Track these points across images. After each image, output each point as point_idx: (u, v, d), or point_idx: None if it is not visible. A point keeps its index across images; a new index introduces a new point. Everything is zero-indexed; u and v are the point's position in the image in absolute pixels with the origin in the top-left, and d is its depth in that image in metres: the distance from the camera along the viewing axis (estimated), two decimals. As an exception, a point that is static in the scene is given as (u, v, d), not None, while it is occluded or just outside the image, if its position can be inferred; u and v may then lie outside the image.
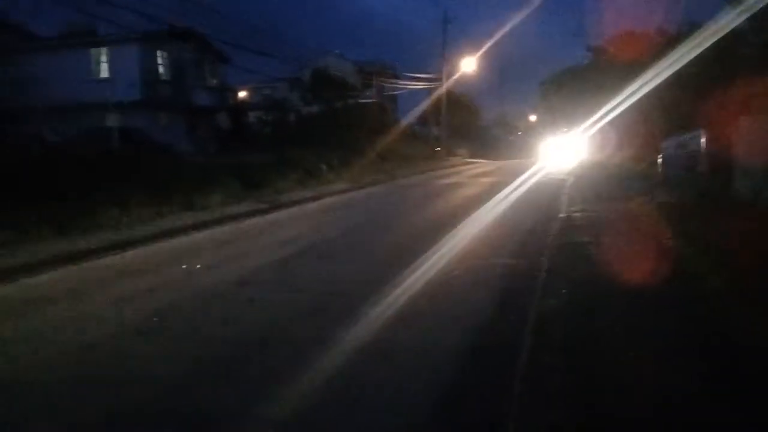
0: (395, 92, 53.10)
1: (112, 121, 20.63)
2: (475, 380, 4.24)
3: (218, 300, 6.52)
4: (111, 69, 28.04)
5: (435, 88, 45.40)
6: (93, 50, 28.29)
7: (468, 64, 44.22)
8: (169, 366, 4.67)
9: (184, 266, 8.32)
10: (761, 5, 14.58)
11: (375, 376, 4.34)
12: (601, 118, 26.76)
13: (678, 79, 17.84)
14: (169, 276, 7.77)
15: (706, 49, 15.98)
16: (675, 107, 18.39)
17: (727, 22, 16.78)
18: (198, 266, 8.28)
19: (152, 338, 5.31)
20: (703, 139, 12.24)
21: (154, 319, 5.83)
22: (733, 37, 17.66)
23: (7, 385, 4.40)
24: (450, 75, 44.15)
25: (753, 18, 16.86)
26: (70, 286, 7.42)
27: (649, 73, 19.34)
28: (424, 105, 48.22)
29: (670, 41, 21.13)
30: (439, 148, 46.30)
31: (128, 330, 5.50)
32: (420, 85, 47.60)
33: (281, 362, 4.66)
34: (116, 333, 5.44)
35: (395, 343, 4.98)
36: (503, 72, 64.48)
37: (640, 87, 20.30)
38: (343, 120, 36.43)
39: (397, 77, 51.48)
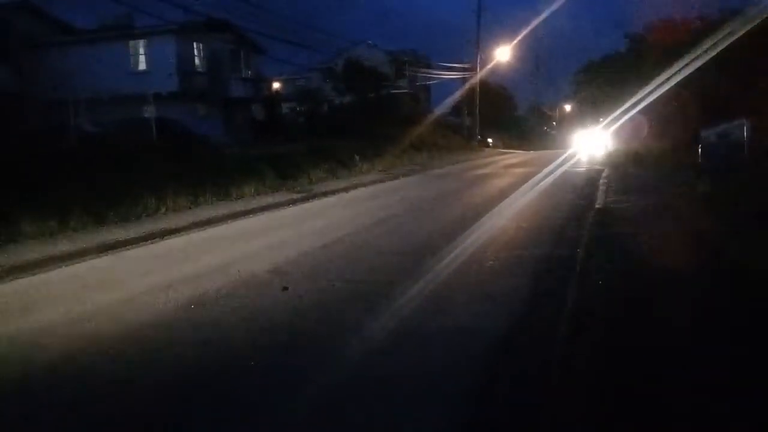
0: (428, 82, 52.78)
1: (150, 112, 21.00)
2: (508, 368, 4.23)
3: (253, 288, 6.60)
4: (148, 61, 28.49)
5: (468, 78, 44.98)
6: (131, 42, 28.73)
7: (502, 54, 43.75)
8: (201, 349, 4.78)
9: (221, 255, 8.44)
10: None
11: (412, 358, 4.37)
12: (638, 106, 26.24)
13: (719, 66, 17.37)
14: (205, 265, 7.89)
15: (751, 35, 15.50)
16: (716, 96, 17.94)
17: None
18: (234, 255, 8.39)
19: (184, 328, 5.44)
20: (746, 129, 11.91)
21: (191, 306, 5.96)
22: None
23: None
24: (484, 64, 43.72)
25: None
26: (105, 275, 7.61)
27: (689, 60, 18.86)
28: (457, 95, 47.86)
29: (712, 27, 20.58)
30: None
31: (165, 317, 5.63)
32: (453, 75, 47.23)
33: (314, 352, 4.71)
34: (153, 321, 5.57)
35: (430, 329, 5.01)
36: (538, 61, 63.28)
37: (679, 74, 19.81)
38: (375, 110, 36.43)
39: (429, 67, 51.11)
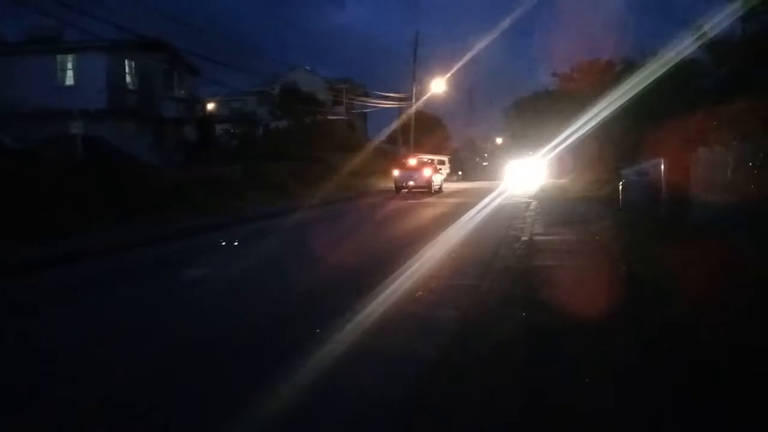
0: (365, 110, 53.36)
1: (77, 128, 20.27)
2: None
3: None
4: (77, 76, 27.60)
5: (404, 108, 45.73)
6: (59, 56, 27.79)
7: (437, 86, 44.73)
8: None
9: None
10: (717, 32, 15.27)
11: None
12: (564, 142, 27.37)
13: (638, 107, 18.34)
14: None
15: (667, 78, 16.47)
16: (635, 135, 18.87)
17: (684, 48, 17.36)
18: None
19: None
20: (662, 168, 12.56)
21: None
22: (694, 68, 18.29)
23: None
24: (419, 96, 44.57)
25: (712, 50, 17.51)
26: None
27: (610, 100, 19.88)
28: (394, 124, 48.51)
29: (629, 69, 21.77)
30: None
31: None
32: (389, 104, 47.93)
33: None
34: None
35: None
36: (472, 95, 65.15)
37: (601, 113, 20.85)
38: (311, 136, 36.52)
39: (366, 95, 51.74)
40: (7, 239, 10.23)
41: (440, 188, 30.65)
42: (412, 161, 30.84)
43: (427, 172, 28.87)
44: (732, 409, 3.58)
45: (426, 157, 35.85)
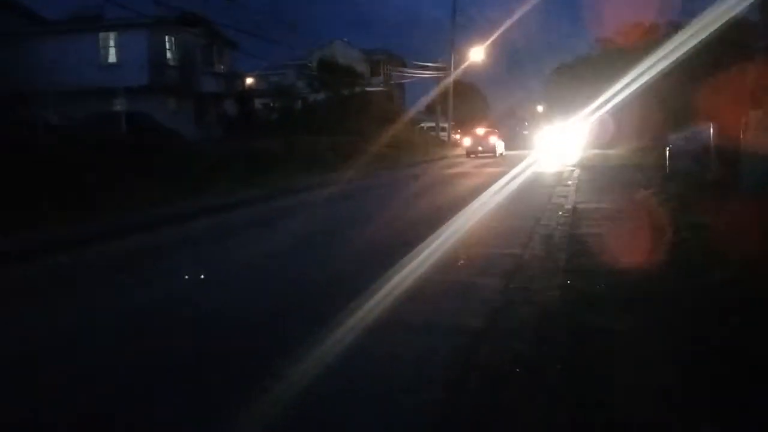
0: (402, 81, 52.94)
1: (120, 105, 20.64)
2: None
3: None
4: (119, 54, 28.11)
5: (442, 78, 45.17)
6: (101, 35, 28.31)
7: (476, 54, 43.96)
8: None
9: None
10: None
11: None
12: (608, 108, 26.69)
13: (686, 70, 17.75)
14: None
15: (716, 40, 15.86)
16: (683, 99, 18.29)
17: (733, 7, 16.62)
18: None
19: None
20: (711, 132, 12.18)
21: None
22: (744, 28, 17.55)
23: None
24: (458, 65, 43.94)
25: (763, 8, 16.75)
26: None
27: (656, 64, 19.24)
28: (432, 94, 48.00)
29: (676, 31, 21.02)
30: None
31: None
32: (427, 74, 47.42)
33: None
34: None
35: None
36: (512, 62, 64.20)
37: (647, 77, 20.20)
38: (349, 108, 36.42)
39: (404, 66, 51.27)
40: (57, 216, 10.56)
41: (502, 154, 35.67)
42: (480, 131, 36.56)
43: (492, 139, 35.24)
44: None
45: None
